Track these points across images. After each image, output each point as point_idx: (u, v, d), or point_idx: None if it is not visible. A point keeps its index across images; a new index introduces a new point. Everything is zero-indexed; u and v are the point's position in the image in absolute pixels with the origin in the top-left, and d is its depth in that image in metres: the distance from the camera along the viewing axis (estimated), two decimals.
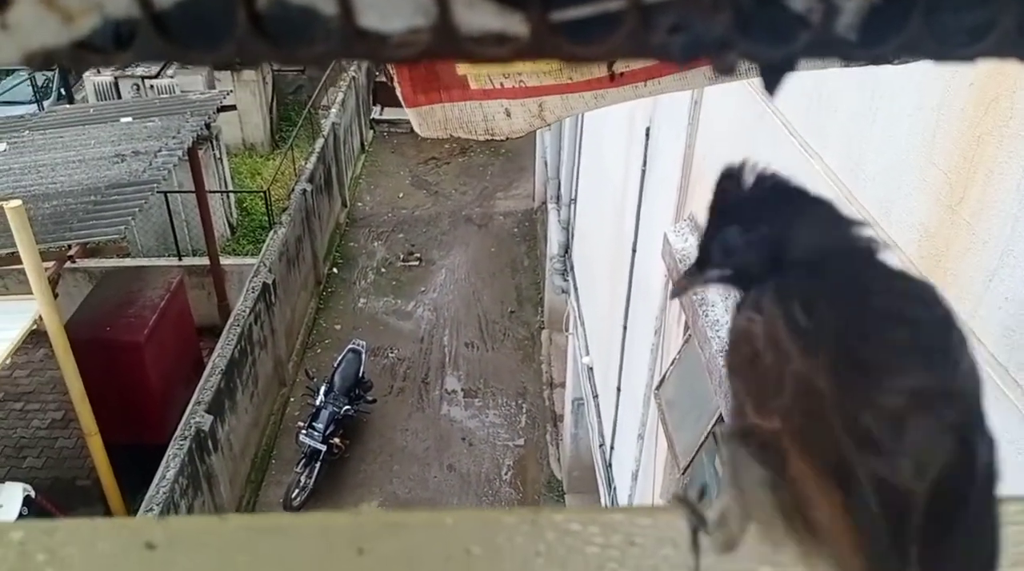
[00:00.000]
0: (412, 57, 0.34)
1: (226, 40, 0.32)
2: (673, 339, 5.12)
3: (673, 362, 4.90)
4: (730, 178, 0.62)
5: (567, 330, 10.87)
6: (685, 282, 0.67)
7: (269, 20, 0.32)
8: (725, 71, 0.36)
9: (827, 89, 2.94)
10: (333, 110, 15.93)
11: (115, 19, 0.31)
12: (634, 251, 6.28)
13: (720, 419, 3.95)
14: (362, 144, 18.40)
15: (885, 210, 2.49)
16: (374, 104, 19.29)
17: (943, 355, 0.53)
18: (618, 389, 7.16)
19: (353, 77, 17.58)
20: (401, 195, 16.90)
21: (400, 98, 1.31)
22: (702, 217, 4.17)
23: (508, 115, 1.28)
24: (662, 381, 5.05)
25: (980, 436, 0.52)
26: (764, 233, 0.60)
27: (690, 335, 4.37)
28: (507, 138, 1.33)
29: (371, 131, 19.10)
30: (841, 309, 0.55)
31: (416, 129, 1.37)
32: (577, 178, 10.27)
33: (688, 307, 4.16)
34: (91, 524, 0.57)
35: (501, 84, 1.27)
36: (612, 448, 7.78)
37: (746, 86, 3.60)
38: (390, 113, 19.00)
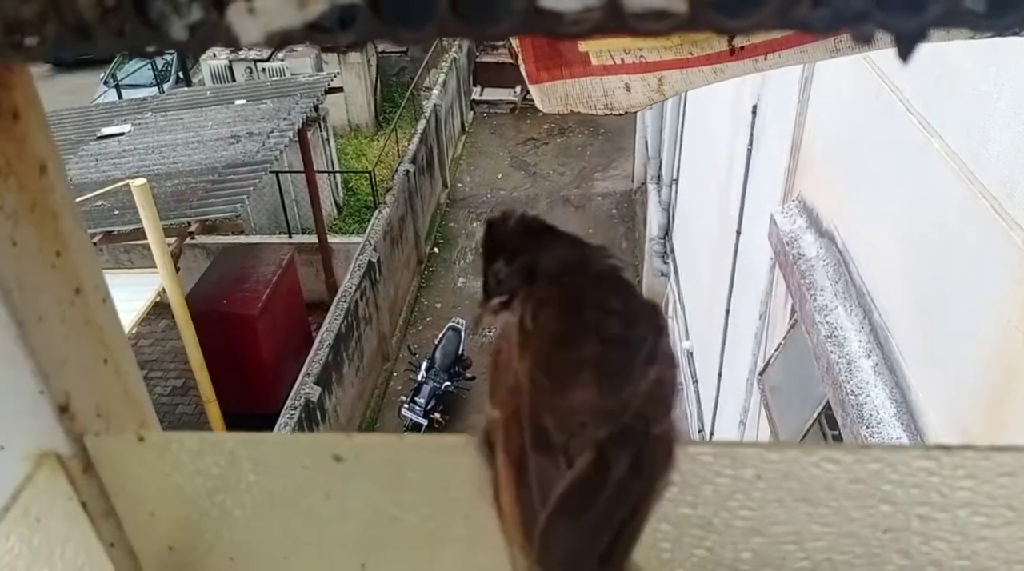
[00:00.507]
0: (583, 33, 0.39)
1: (430, 20, 0.38)
2: (778, 324, 5.03)
3: (778, 348, 4.82)
4: (495, 223, 0.71)
5: (667, 314, 10.78)
6: (479, 315, 0.73)
7: (464, 2, 0.37)
8: (863, 41, 0.39)
9: (948, 66, 2.83)
10: (435, 91, 16.15)
11: (340, 4, 0.37)
12: (738, 233, 6.18)
13: (828, 407, 3.87)
14: (462, 125, 18.61)
15: (1008, 191, 2.40)
16: (474, 85, 19.44)
17: (620, 376, 0.58)
18: (719, 374, 7.08)
19: (454, 58, 17.75)
20: (500, 176, 17.04)
21: (524, 75, 1.36)
22: (810, 198, 4.07)
23: (628, 90, 1.31)
24: (766, 367, 4.97)
25: (619, 452, 0.56)
26: (522, 260, 0.68)
27: (796, 320, 4.29)
28: (626, 112, 1.37)
29: (471, 112, 19.27)
30: (557, 319, 0.62)
31: (538, 105, 1.42)
32: (679, 158, 10.11)
33: (795, 291, 4.09)
34: (290, 438, 0.66)
35: (622, 60, 1.30)
36: (712, 434, 7.71)
37: (862, 63, 3.50)
38: (490, 94, 19.13)
